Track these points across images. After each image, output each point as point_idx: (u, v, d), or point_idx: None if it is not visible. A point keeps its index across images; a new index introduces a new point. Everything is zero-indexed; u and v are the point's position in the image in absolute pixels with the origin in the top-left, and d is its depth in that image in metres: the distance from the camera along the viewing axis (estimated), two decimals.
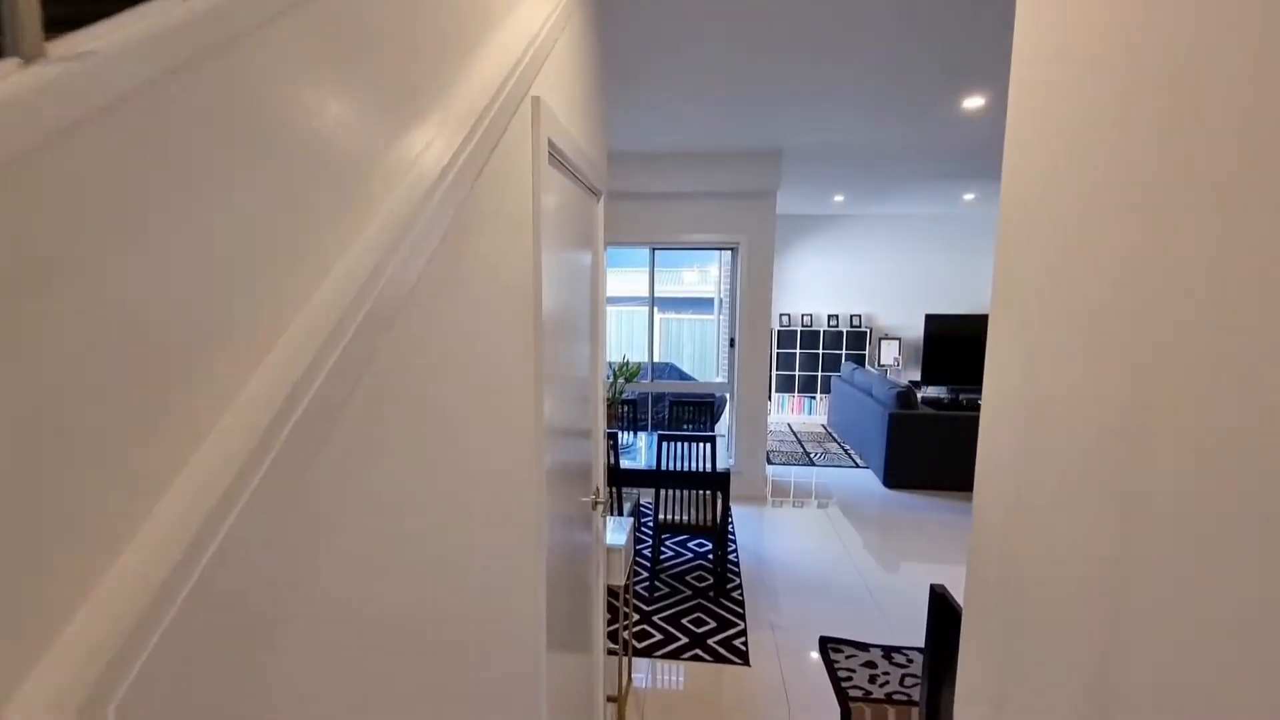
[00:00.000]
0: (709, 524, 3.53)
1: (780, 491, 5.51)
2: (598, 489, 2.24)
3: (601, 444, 2.29)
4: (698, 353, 10.57)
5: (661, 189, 4.94)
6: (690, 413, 4.49)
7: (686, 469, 3.48)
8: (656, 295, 11.97)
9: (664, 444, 3.47)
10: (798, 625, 3.31)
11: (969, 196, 6.67)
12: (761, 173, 4.71)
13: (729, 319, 5.34)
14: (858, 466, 6.26)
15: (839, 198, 6.79)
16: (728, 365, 5.37)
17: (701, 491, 3.67)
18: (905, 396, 5.61)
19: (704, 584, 3.74)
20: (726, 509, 3.62)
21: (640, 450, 3.95)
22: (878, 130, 4.05)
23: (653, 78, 3.27)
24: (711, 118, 3.86)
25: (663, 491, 3.67)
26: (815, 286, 8.57)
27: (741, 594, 3.63)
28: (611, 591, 2.57)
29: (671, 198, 5.07)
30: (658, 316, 10.98)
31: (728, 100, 3.53)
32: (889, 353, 8.39)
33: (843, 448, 6.97)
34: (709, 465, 3.46)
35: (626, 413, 4.51)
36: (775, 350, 8.51)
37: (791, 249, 8.47)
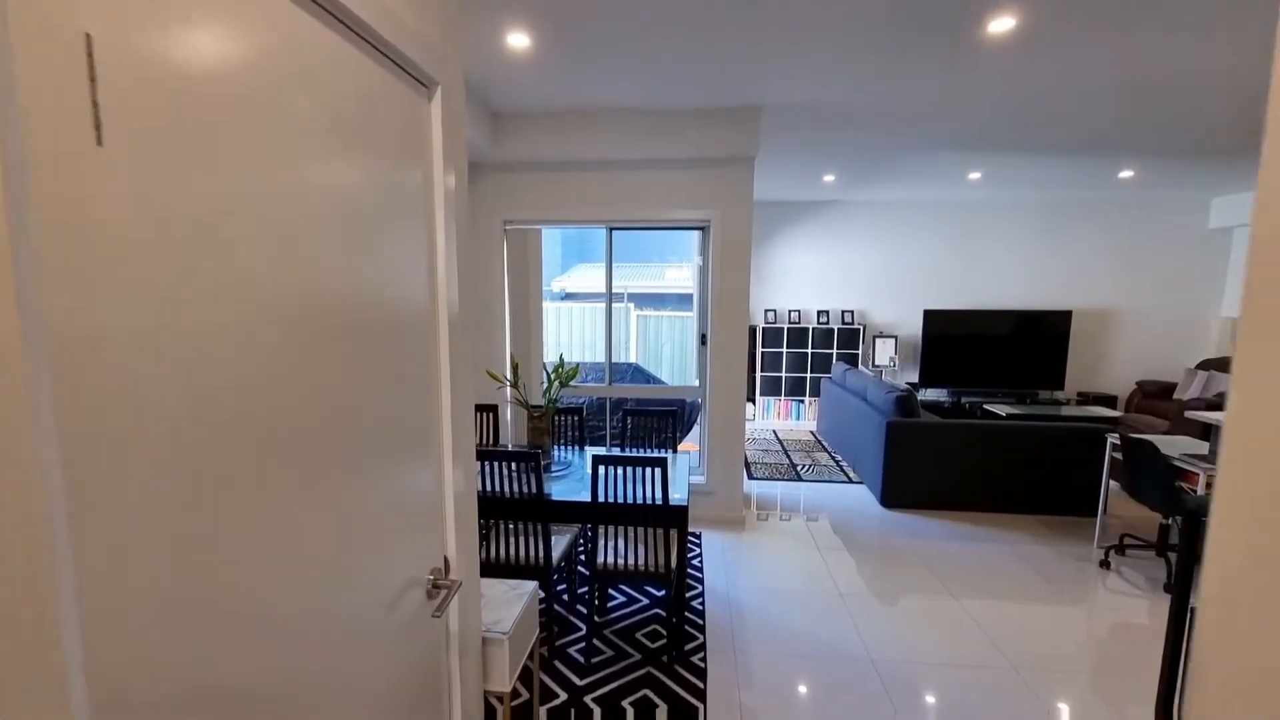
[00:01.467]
0: (659, 570, 2.73)
1: (762, 513, 4.72)
2: (446, 561, 1.43)
3: (460, 477, 1.49)
4: (678, 353, 9.81)
5: (618, 155, 4.15)
6: (654, 423, 3.70)
7: (634, 500, 2.68)
8: (632, 291, 11.21)
9: (603, 469, 2.67)
10: (775, 707, 2.52)
11: (975, 175, 5.91)
12: (737, 134, 3.93)
13: (699, 310, 4.55)
14: (851, 482, 5.49)
15: (829, 178, 6.02)
16: (699, 367, 4.58)
17: (651, 531, 2.87)
18: (905, 402, 4.84)
19: (658, 643, 2.95)
20: (684, 550, 2.83)
21: (584, 472, 3.16)
22: (876, 79, 3.28)
23: (600, 11, 2.47)
24: (676, 63, 3.08)
25: (604, 528, 2.87)
26: (804, 280, 7.81)
27: (704, 658, 2.84)
28: (500, 697, 1.78)
29: (630, 167, 4.28)
30: (633, 313, 10.24)
31: (695, 40, 2.75)
32: (884, 352, 7.63)
33: (834, 459, 6.20)
34: (659, 496, 2.67)
35: (567, 424, 3.71)
36: (760, 350, 7.74)
37: (778, 239, 7.70)
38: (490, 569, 2.79)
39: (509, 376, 2.99)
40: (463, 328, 1.50)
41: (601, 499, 2.71)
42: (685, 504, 2.72)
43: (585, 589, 3.45)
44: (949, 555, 3.99)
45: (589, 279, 12.11)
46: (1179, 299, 7.37)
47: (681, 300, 11.62)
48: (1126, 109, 3.81)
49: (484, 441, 3.75)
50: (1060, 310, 7.36)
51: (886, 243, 7.64)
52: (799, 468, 5.88)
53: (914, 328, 7.72)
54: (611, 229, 4.47)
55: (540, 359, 4.54)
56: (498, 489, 2.71)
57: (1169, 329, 7.42)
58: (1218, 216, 7.09)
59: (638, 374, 5.22)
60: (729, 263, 4.30)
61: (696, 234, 4.49)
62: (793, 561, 3.89)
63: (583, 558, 3.60)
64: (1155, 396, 7.15)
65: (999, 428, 4.64)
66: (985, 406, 6.78)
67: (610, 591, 3.40)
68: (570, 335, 9.39)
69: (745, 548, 4.10)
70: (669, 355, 9.64)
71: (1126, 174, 5.76)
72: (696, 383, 4.60)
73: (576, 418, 3.70)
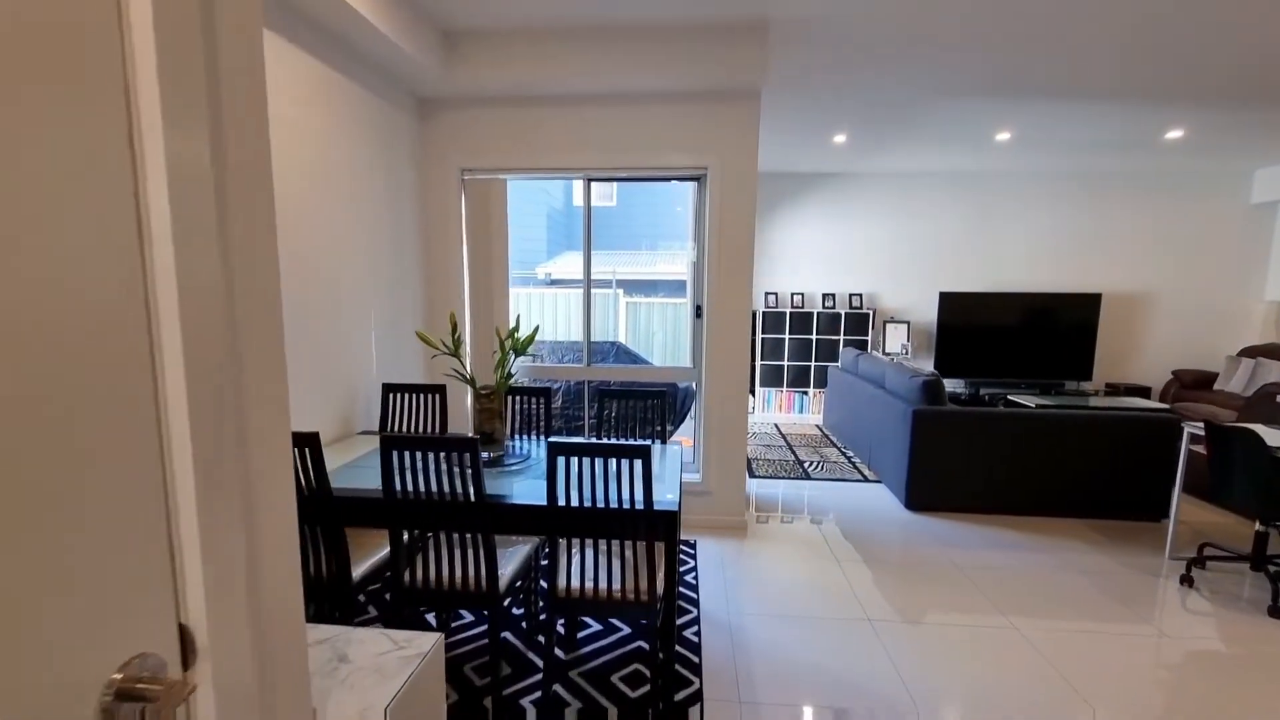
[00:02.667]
0: (640, 597, 2.03)
1: (763, 514, 4.03)
2: (184, 635, 0.72)
3: (230, 477, 0.77)
4: (671, 342, 9.12)
5: (597, 87, 3.45)
6: (639, 408, 3.00)
7: (608, 504, 1.98)
8: (621, 276, 10.50)
9: (563, 462, 1.97)
10: None
11: (1003, 136, 5.24)
12: (740, 59, 3.23)
13: (694, 280, 3.86)
14: (866, 480, 4.80)
15: (840, 138, 5.34)
16: (693, 346, 3.89)
17: (630, 544, 2.17)
18: (932, 389, 4.16)
19: (640, 689, 2.25)
20: (674, 570, 2.12)
21: (540, 467, 2.46)
22: None
23: None
24: None
25: (564, 542, 2.17)
26: (808, 260, 7.13)
27: (701, 711, 2.15)
28: None
29: (612, 102, 3.58)
30: (622, 299, 9.54)
31: None
32: (896, 339, 6.97)
33: (845, 455, 5.52)
34: (641, 498, 1.97)
35: (532, 408, 3.00)
36: (760, 336, 7.05)
37: (779, 215, 7.02)
38: (424, 597, 2.08)
39: (447, 343, 2.28)
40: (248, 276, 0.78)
41: (563, 502, 2.01)
42: (676, 508, 2.03)
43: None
44: (993, 568, 3.31)
45: (575, 265, 11.43)
46: (1219, 280, 6.73)
47: (674, 288, 10.93)
48: (1193, 43, 3.14)
49: (423, 429, 3.04)
50: (1088, 293, 6.71)
51: (899, 219, 6.97)
52: (806, 465, 5.19)
53: (928, 312, 7.06)
54: (590, 179, 3.77)
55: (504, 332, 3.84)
56: (427, 488, 2.00)
57: (1208, 313, 6.78)
58: (1262, 190, 6.46)
59: (622, 354, 4.52)
60: (730, 221, 3.60)
61: (691, 188, 3.79)
62: (807, 577, 3.20)
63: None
64: (1194, 387, 6.52)
65: (1046, 417, 3.96)
66: (1010, 398, 6.12)
67: (583, 618, 2.70)
68: (555, 324, 8.68)
69: (748, 559, 3.41)
70: (660, 344, 8.95)
71: (1175, 134, 5.10)
72: (690, 364, 3.91)
73: (542, 400, 2.99)
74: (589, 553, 2.20)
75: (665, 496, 2.10)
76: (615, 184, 12.35)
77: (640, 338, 9.10)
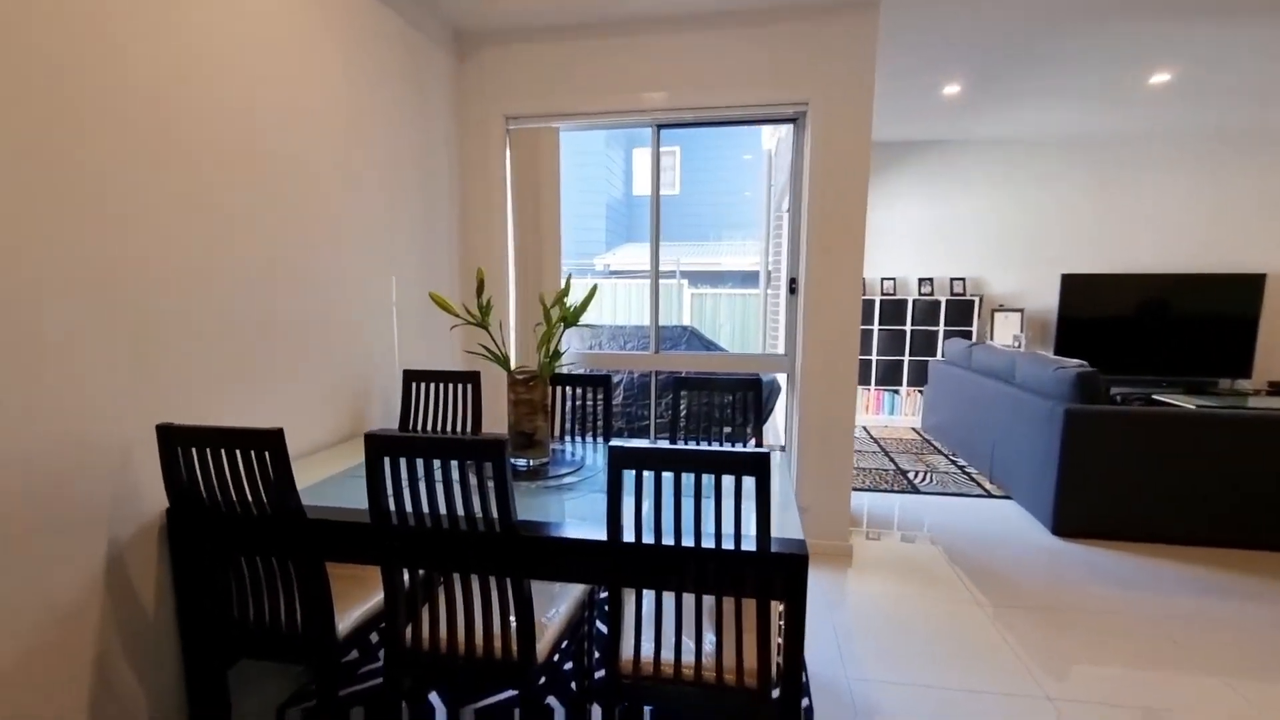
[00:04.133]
0: (743, 681, 1.34)
1: (876, 533, 3.26)
2: None
3: None
4: (739, 335, 8.37)
5: (667, 8, 2.78)
6: (722, 405, 2.31)
7: (698, 540, 1.30)
8: (686, 268, 9.79)
9: (632, 475, 1.31)
10: None
11: (1160, 78, 4.26)
12: None
13: (788, 250, 3.13)
14: (989, 496, 3.94)
15: (952, 88, 4.48)
16: (786, 330, 3.16)
17: (732, 601, 1.49)
18: (1088, 383, 3.29)
19: None
20: (798, 644, 1.41)
21: (597, 480, 1.80)
22: None
23: None
24: None
25: (632, 595, 1.51)
26: (902, 241, 6.24)
27: None
28: None
29: (686, 25, 2.90)
30: (686, 291, 8.83)
31: None
32: (1007, 329, 6.00)
33: (954, 463, 4.65)
34: (748, 531, 1.28)
35: (584, 400, 2.35)
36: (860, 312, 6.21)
37: (869, 191, 6.14)
38: (430, 665, 1.46)
39: (472, 311, 1.64)
40: None
41: (630, 536, 1.34)
42: (804, 550, 1.32)
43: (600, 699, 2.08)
44: (1197, 620, 2.44)
45: (635, 257, 10.79)
46: None
47: (740, 279, 10.16)
48: None
49: (453, 427, 2.44)
50: (1248, 274, 5.57)
51: (1011, 192, 6.00)
52: (910, 475, 4.36)
53: (1047, 298, 6.05)
54: (659, 125, 3.09)
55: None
56: (433, 511, 1.37)
57: None
58: None
59: (695, 341, 3.82)
60: (836, 170, 2.86)
61: (776, 140, 3.07)
62: (944, 625, 2.43)
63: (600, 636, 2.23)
64: None
65: (1252, 421, 3.04)
66: (1155, 398, 5.08)
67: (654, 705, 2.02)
68: (615, 313, 8.07)
69: (861, 597, 2.66)
70: (727, 337, 8.21)
71: None
72: (781, 350, 3.18)
73: (600, 391, 2.34)
74: (669, 611, 1.53)
75: (783, 531, 1.40)
76: (676, 161, 11.64)
77: (707, 331, 8.39)
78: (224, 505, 1.48)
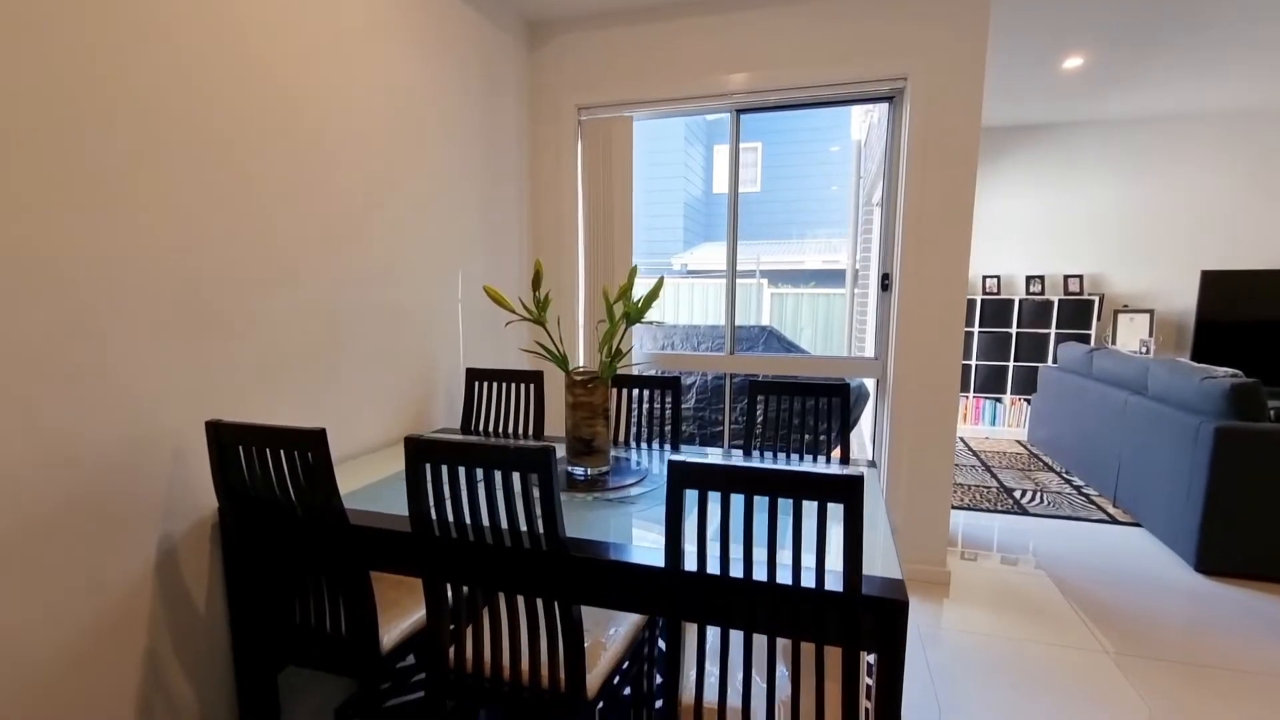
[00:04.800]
0: None
1: (972, 554, 2.91)
2: None
3: None
4: (822, 338, 7.98)
5: None
6: (805, 412, 2.08)
7: (771, 574, 1.10)
8: (766, 267, 9.44)
9: (695, 496, 1.12)
10: None
11: None
12: None
13: (880, 242, 2.84)
14: (1114, 522, 3.47)
15: (1074, 61, 3.99)
16: (876, 330, 2.87)
17: (813, 647, 1.28)
18: (1246, 397, 2.79)
19: None
20: (895, 697, 1.18)
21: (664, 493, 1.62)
22: None
23: None
24: None
25: (694, 630, 1.32)
26: (1008, 236, 5.70)
27: None
28: None
29: (764, 0, 2.68)
30: (766, 290, 8.50)
31: None
32: (1133, 333, 5.34)
33: (1067, 481, 4.15)
34: (835, 565, 1.07)
35: (650, 403, 2.18)
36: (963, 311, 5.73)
37: None
38: (473, 690, 1.34)
39: (529, 306, 1.51)
40: None
41: (692, 565, 1.16)
42: (903, 595, 1.10)
43: None
44: None
45: (714, 256, 10.55)
46: None
47: (824, 278, 9.70)
48: None
49: (514, 429, 2.33)
50: None
51: (1139, 180, 5.34)
52: (1017, 494, 3.92)
53: (1181, 299, 5.34)
54: (738, 110, 2.89)
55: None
56: (476, 523, 1.25)
57: None
58: None
59: (774, 342, 3.57)
60: (940, 152, 2.55)
61: (863, 128, 2.79)
62: (1059, 674, 2.09)
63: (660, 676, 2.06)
64: None
65: None
66: None
67: None
68: (691, 313, 7.88)
69: (960, 633, 2.35)
70: (809, 340, 7.83)
71: None
72: (872, 354, 2.89)
73: (669, 394, 2.16)
74: (736, 650, 1.33)
75: (877, 566, 1.18)
76: (759, 158, 11.29)
77: (788, 333, 8.04)
78: (269, 505, 1.41)
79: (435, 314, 2.40)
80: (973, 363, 5.69)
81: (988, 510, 3.65)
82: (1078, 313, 5.42)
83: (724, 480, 1.08)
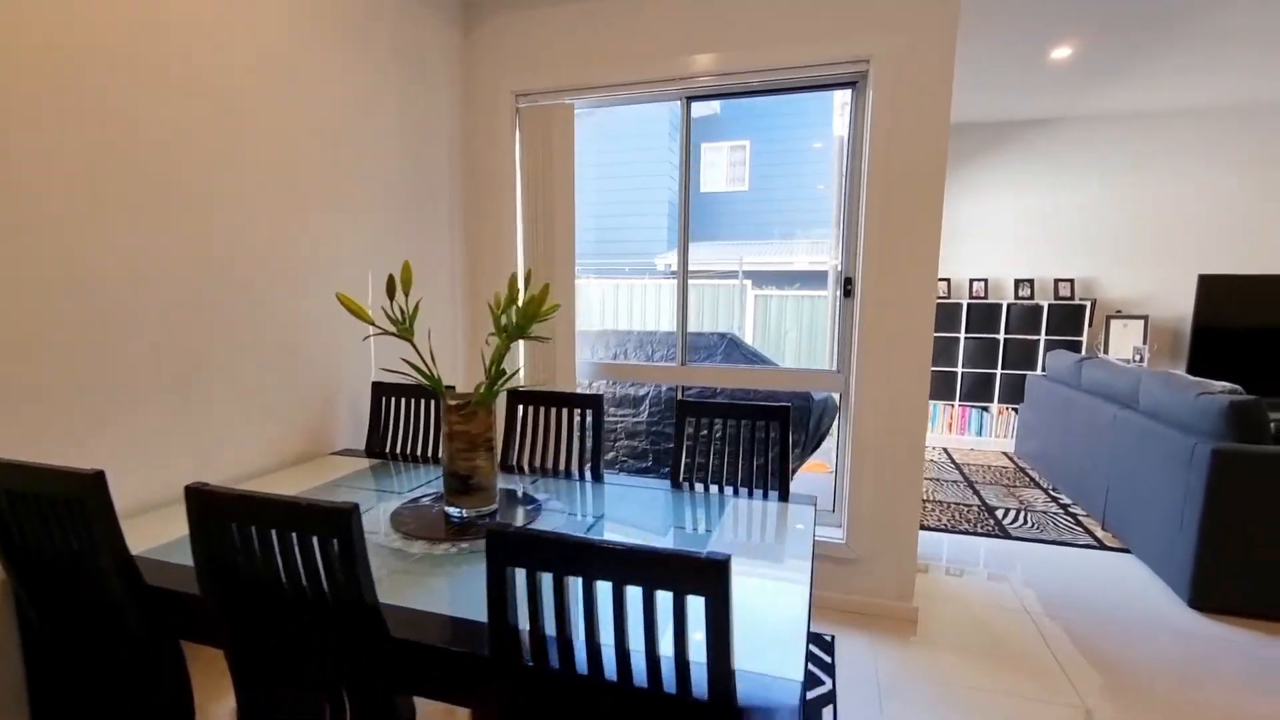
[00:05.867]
0: None
1: (944, 598, 2.65)
2: None
3: None
4: (807, 343, 7.72)
5: None
6: (748, 437, 1.82)
7: (624, 673, 0.83)
8: (749, 268, 9.17)
9: (523, 576, 0.85)
10: None
11: None
12: None
13: (843, 244, 2.58)
14: (1101, 547, 3.21)
15: (1062, 51, 3.73)
16: (838, 341, 2.61)
17: None
18: (1246, 416, 2.54)
19: None
20: None
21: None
22: None
23: None
24: None
25: None
26: (995, 237, 5.45)
27: None
28: None
29: None
30: (750, 292, 8.23)
31: None
32: (1126, 340, 5.09)
33: (1054, 498, 3.90)
34: (702, 675, 0.80)
35: (561, 426, 1.92)
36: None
37: (956, 180, 5.40)
38: None
39: (391, 313, 1.23)
40: None
41: (531, 659, 0.90)
42: (791, 702, 0.83)
43: None
44: None
45: (699, 256, 10.28)
46: None
47: (810, 280, 9.43)
48: None
49: (421, 449, 2.06)
50: None
51: (1133, 179, 5.08)
52: (999, 514, 3.66)
53: (1177, 304, 5.09)
54: (689, 97, 2.63)
55: (570, 320, 2.77)
56: (273, 578, 0.98)
57: None
58: None
59: (735, 351, 3.31)
60: (905, 144, 2.30)
61: (837, 99, 2.54)
62: None
63: None
64: None
65: None
66: None
67: None
68: (662, 318, 7.61)
69: (923, 683, 2.09)
70: (794, 345, 7.57)
71: None
72: (833, 366, 2.63)
73: (589, 413, 1.90)
74: None
75: (770, 665, 0.92)
76: (746, 155, 11.01)
77: (770, 337, 7.79)
78: (50, 568, 1.15)
79: (342, 321, 2.14)
80: (958, 370, 5.43)
81: (967, 533, 3.39)
82: (1068, 318, 5.16)
83: (554, 557, 0.81)
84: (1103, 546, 3.21)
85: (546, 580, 0.83)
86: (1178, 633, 2.41)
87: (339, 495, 1.65)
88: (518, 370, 1.45)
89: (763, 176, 10.76)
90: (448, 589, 1.15)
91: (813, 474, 4.13)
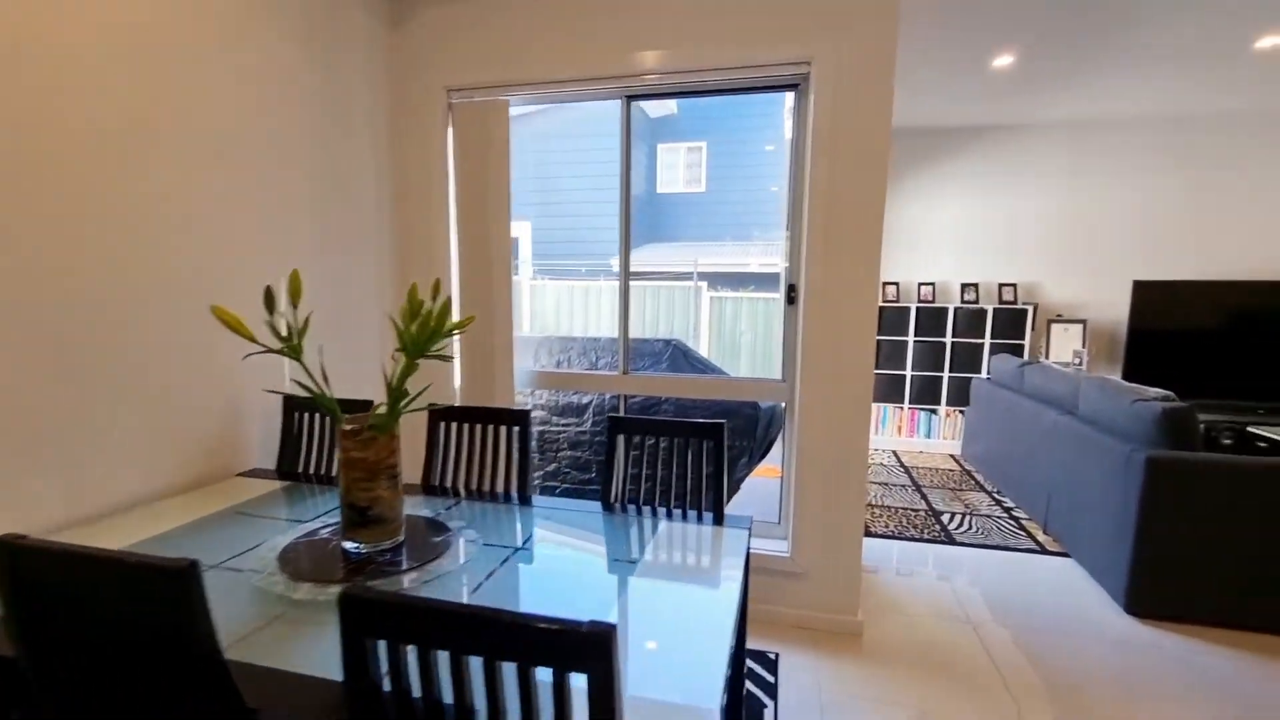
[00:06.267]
0: None
1: (890, 612, 2.62)
2: None
3: None
4: (762, 345, 7.72)
5: None
6: (681, 456, 1.73)
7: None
8: (705, 269, 9.16)
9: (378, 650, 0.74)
10: None
11: (1270, 42, 3.48)
12: None
13: (790, 252, 2.52)
14: (1043, 551, 3.24)
15: (1004, 60, 3.77)
16: (783, 349, 2.55)
17: None
18: (1178, 423, 2.57)
19: None
20: None
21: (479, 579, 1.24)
22: None
23: None
24: None
25: None
26: (942, 242, 5.52)
27: None
28: None
29: None
30: (705, 294, 8.20)
31: None
32: (1066, 344, 5.21)
33: (998, 502, 3.95)
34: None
35: (488, 447, 1.80)
36: (875, 338, 5.51)
37: (904, 184, 5.46)
38: None
39: (277, 327, 1.09)
40: None
41: None
42: None
43: None
44: None
45: (659, 258, 10.21)
46: None
47: (767, 281, 9.46)
48: None
49: (334, 472, 1.92)
50: None
51: (1073, 186, 5.21)
52: (945, 519, 3.68)
53: (1114, 309, 5.23)
54: (629, 96, 2.53)
55: (508, 328, 2.64)
56: (78, 632, 0.84)
57: None
58: None
59: (680, 359, 3.23)
60: (846, 148, 2.24)
61: (787, 101, 2.47)
62: None
63: None
64: None
65: None
66: (1252, 430, 4.25)
67: None
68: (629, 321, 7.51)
69: (868, 701, 2.04)
70: (749, 347, 7.57)
71: None
72: (779, 376, 2.57)
73: (515, 431, 1.78)
74: None
75: (687, 695, 0.83)
76: (703, 157, 11.04)
77: (726, 340, 7.76)
78: None
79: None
80: (907, 373, 5.48)
81: (914, 539, 3.39)
82: (1012, 322, 5.26)
83: (416, 628, 0.70)
84: (1044, 551, 3.24)
85: (412, 650, 0.72)
86: (1115, 641, 2.43)
87: (231, 525, 1.49)
88: (424, 389, 1.32)
89: (720, 178, 10.77)
90: (332, 642, 1.02)
91: (764, 479, 4.08)
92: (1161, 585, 2.53)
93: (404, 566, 1.24)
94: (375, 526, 1.27)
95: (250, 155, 1.97)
